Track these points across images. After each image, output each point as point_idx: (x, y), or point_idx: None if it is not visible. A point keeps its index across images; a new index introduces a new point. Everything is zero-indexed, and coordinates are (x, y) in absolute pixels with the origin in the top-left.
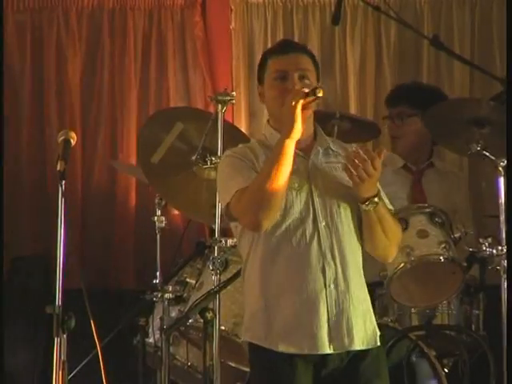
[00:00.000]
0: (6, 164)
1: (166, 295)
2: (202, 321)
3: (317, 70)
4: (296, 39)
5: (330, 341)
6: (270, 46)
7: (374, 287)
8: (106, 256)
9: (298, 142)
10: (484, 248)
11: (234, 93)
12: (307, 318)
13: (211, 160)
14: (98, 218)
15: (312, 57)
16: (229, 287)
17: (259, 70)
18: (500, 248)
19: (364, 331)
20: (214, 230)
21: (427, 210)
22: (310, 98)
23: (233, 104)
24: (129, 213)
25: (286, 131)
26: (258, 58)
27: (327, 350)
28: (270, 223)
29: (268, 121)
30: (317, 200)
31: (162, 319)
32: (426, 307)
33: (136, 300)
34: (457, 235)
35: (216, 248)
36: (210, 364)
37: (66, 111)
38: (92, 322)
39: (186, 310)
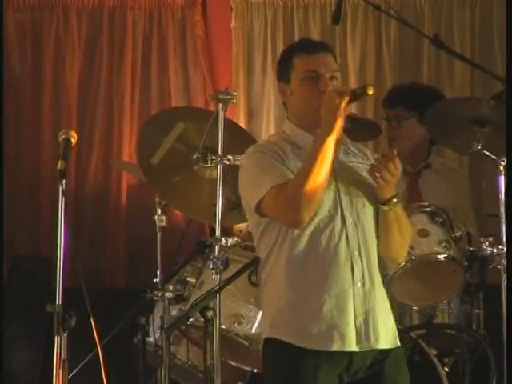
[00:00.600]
0: (6, 163)
1: (167, 294)
2: (202, 320)
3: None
4: (296, 38)
5: (358, 339)
6: (270, 45)
7: None
8: (103, 255)
9: None
10: (484, 247)
11: (235, 92)
12: (336, 316)
13: (212, 159)
14: (94, 217)
15: (335, 56)
16: (229, 286)
17: (283, 67)
18: (501, 247)
19: (388, 330)
20: (215, 229)
21: (428, 209)
22: (358, 95)
23: (233, 103)
24: (132, 212)
25: (328, 129)
26: (259, 57)
27: (354, 347)
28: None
29: (288, 118)
30: (343, 198)
31: (162, 318)
32: (427, 306)
33: (136, 299)
34: (457, 234)
35: (217, 247)
36: (211, 363)
37: (64, 110)
38: (92, 320)
39: (186, 309)
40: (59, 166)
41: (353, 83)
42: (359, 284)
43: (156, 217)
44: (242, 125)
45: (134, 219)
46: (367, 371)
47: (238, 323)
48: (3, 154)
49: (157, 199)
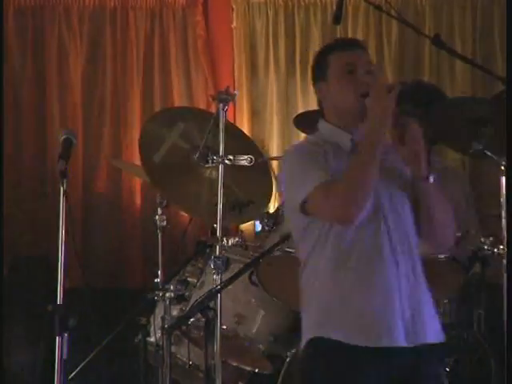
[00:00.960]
0: (7, 163)
1: (168, 294)
2: (203, 320)
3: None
4: (297, 38)
5: (406, 334)
6: (271, 45)
7: None
8: (107, 255)
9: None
10: (485, 247)
11: (235, 91)
12: (383, 312)
13: (213, 159)
14: (100, 218)
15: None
16: (230, 286)
17: (317, 69)
18: (501, 247)
19: (435, 323)
20: (216, 229)
21: None
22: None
23: (234, 103)
24: (132, 212)
25: (379, 123)
26: (260, 57)
27: (403, 343)
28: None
29: (324, 118)
30: (383, 192)
31: (163, 318)
32: None
33: (137, 299)
34: (457, 234)
35: (217, 247)
36: (212, 363)
37: (68, 111)
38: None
39: (187, 309)
40: (59, 166)
41: None
42: (404, 278)
43: (156, 217)
44: (246, 125)
45: (146, 220)
46: (415, 365)
47: (239, 323)
48: (3, 154)
49: (157, 199)
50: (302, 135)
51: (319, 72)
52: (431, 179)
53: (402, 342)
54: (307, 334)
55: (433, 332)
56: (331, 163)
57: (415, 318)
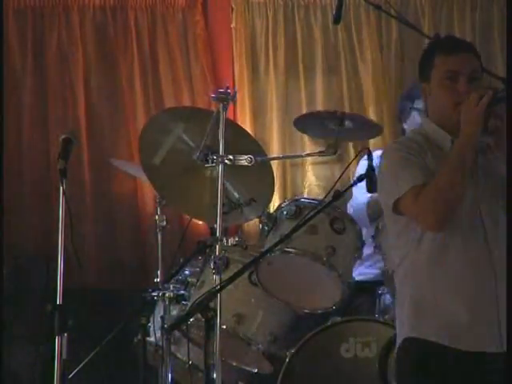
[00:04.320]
0: (8, 163)
1: (167, 294)
2: (203, 320)
3: (482, 69)
4: (298, 38)
5: (495, 340)
6: (271, 44)
7: (374, 286)
8: (107, 255)
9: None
10: None
11: (236, 91)
12: (483, 315)
13: (213, 159)
14: (100, 218)
15: (479, 57)
16: (230, 286)
17: (424, 66)
18: None
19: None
20: (215, 229)
21: None
22: (501, 98)
23: (235, 102)
24: (132, 212)
25: (466, 140)
26: (260, 56)
27: (493, 348)
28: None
29: (428, 115)
30: (482, 194)
31: (163, 318)
32: None
33: (137, 299)
34: None
35: (217, 247)
36: (211, 363)
37: (69, 110)
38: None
39: (187, 308)
40: (59, 166)
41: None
42: (502, 281)
43: (156, 217)
44: (247, 125)
45: (145, 219)
46: (496, 373)
47: (239, 323)
48: (4, 154)
49: (157, 199)
50: (304, 135)
51: (423, 72)
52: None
53: (492, 348)
54: (402, 333)
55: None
56: (430, 164)
57: (502, 323)
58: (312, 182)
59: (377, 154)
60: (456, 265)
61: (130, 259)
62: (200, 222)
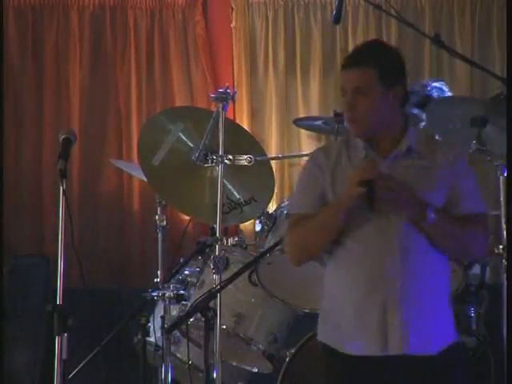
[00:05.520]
0: (7, 163)
1: (167, 294)
2: (203, 320)
3: (381, 80)
4: (298, 38)
5: (387, 342)
6: (271, 45)
7: None
8: (107, 255)
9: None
10: None
11: (235, 90)
12: (368, 320)
13: (212, 159)
14: (100, 218)
15: (378, 68)
16: (230, 286)
17: None
18: (501, 247)
19: None
20: (215, 229)
21: None
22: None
23: (234, 102)
24: (132, 212)
25: (340, 206)
26: (260, 56)
27: (384, 352)
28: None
29: None
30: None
31: (163, 318)
32: None
33: (137, 299)
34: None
35: (217, 247)
36: (211, 363)
37: (68, 110)
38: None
39: (187, 308)
40: (59, 166)
41: None
42: (404, 289)
43: (156, 217)
44: (245, 124)
45: (145, 220)
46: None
47: (239, 323)
48: (3, 154)
49: (157, 199)
50: (303, 134)
51: None
52: (430, 219)
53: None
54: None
55: None
56: (344, 164)
57: (391, 326)
58: None
59: None
60: (354, 269)
61: (130, 259)
62: (200, 222)
